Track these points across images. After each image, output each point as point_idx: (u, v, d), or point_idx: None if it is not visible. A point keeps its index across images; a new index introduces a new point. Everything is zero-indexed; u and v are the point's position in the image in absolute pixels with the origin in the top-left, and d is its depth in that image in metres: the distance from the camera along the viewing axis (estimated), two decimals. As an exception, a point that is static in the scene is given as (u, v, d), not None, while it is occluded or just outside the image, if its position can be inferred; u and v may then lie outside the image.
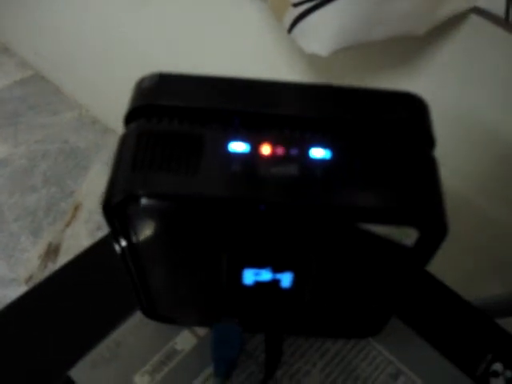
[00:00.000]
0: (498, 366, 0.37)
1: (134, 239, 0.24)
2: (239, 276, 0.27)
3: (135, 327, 0.34)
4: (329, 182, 0.22)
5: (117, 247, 0.25)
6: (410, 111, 0.24)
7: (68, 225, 1.02)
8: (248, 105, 0.24)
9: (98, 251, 0.42)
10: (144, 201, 0.22)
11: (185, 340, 0.33)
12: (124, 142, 0.23)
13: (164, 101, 0.24)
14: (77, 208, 1.04)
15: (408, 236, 0.23)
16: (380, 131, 0.24)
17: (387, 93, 0.25)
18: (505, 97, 0.46)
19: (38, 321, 0.38)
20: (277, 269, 0.26)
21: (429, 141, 0.24)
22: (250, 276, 0.27)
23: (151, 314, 0.33)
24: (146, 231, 0.24)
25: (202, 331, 0.34)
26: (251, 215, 0.22)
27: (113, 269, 0.40)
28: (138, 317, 0.34)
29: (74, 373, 0.32)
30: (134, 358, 0.33)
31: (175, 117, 0.24)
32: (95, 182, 1.09)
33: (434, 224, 0.22)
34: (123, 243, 0.24)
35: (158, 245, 0.25)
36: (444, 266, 0.43)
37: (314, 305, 0.29)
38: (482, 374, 0.36)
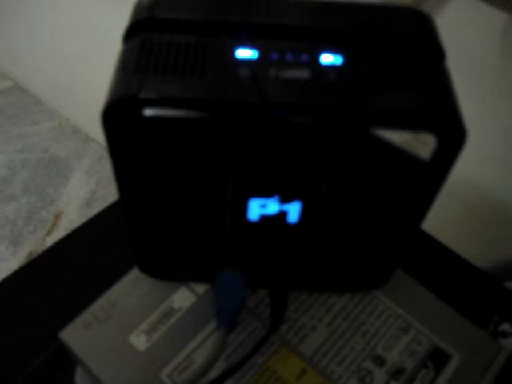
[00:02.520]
0: (505, 326, 0.36)
1: (132, 160, 0.23)
2: (244, 209, 0.25)
3: (130, 286, 0.32)
4: (342, 85, 0.21)
5: (114, 173, 0.23)
6: (418, 24, 0.24)
7: (48, 233, 0.99)
8: (255, 17, 0.23)
9: (95, 223, 0.40)
10: (147, 104, 0.20)
11: (183, 298, 0.32)
12: (125, 51, 0.22)
13: (166, 14, 0.23)
14: (57, 216, 1.02)
15: (425, 145, 0.21)
16: (390, 42, 0.23)
17: (393, 7, 0.24)
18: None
19: (29, 287, 0.36)
20: (285, 198, 0.25)
21: (439, 52, 0.23)
22: (255, 209, 0.25)
23: (148, 267, 0.31)
24: (147, 149, 0.22)
25: (200, 288, 0.32)
26: (262, 121, 0.20)
27: (109, 233, 0.39)
28: (133, 275, 0.32)
29: (65, 334, 0.30)
30: (130, 317, 0.31)
31: (178, 30, 0.22)
32: (76, 190, 1.07)
33: (452, 127, 0.21)
34: (121, 165, 0.23)
35: (159, 169, 0.23)
36: (447, 230, 0.42)
37: (321, 245, 0.28)
38: (490, 334, 0.35)
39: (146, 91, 0.20)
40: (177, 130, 0.21)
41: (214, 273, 0.30)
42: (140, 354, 0.30)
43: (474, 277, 0.39)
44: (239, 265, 0.30)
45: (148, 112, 0.20)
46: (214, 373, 0.28)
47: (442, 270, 0.36)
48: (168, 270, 0.31)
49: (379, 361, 0.30)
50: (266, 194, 0.24)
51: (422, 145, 0.22)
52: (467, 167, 0.34)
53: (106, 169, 1.11)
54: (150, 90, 0.20)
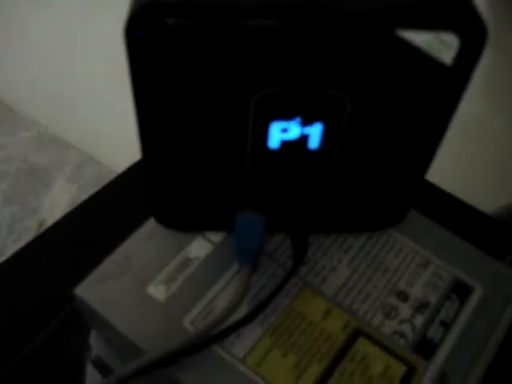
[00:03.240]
0: (519, 267, 0.36)
1: (154, 77, 0.22)
2: (265, 135, 0.25)
3: (144, 239, 0.31)
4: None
5: (134, 95, 0.23)
6: None
7: (33, 242, 0.97)
8: None
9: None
10: (173, 10, 0.20)
11: (199, 247, 0.31)
12: None
13: None
14: (41, 224, 1.00)
15: (448, 47, 0.21)
16: None
17: None
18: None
19: (41, 248, 0.35)
20: (306, 120, 0.24)
21: None
22: (276, 134, 0.25)
23: (163, 216, 0.30)
24: (171, 62, 0.22)
25: (216, 237, 0.31)
26: (287, 22, 0.20)
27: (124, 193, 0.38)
28: (146, 228, 0.32)
29: (81, 290, 0.29)
30: (146, 269, 0.30)
31: None
32: (58, 198, 1.05)
33: (473, 26, 0.21)
34: (142, 83, 0.22)
35: (181, 87, 0.23)
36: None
37: (341, 177, 0.28)
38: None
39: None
40: (203, 40, 0.21)
41: (231, 219, 0.29)
42: (160, 303, 0.29)
43: (482, 223, 0.39)
44: (258, 206, 0.29)
45: (174, 19, 0.20)
46: (237, 316, 0.27)
47: (448, 218, 0.36)
48: (183, 217, 0.30)
49: (403, 296, 0.30)
50: (287, 114, 0.24)
51: (445, 47, 0.22)
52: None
53: (88, 175, 1.10)
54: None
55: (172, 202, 0.29)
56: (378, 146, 0.26)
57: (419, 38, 0.21)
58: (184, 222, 0.31)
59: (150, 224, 0.32)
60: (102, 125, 1.04)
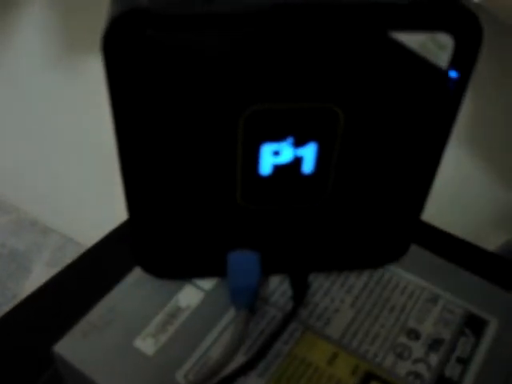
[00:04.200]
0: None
1: (135, 93, 0.21)
2: (256, 160, 0.23)
3: (129, 290, 0.29)
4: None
5: (113, 115, 0.21)
6: None
7: (12, 329, 0.92)
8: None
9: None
10: (157, 19, 0.19)
11: (189, 295, 0.29)
12: None
13: None
14: (20, 311, 0.95)
15: (443, 49, 0.21)
16: None
17: None
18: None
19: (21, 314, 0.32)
20: (299, 140, 0.23)
21: None
22: (268, 158, 0.23)
23: (149, 263, 0.28)
24: (154, 77, 0.20)
25: (207, 284, 0.29)
26: (276, 26, 0.19)
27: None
28: (131, 279, 0.29)
29: (60, 347, 0.26)
30: (132, 321, 0.27)
31: None
32: (38, 283, 1.01)
33: (468, 25, 0.20)
34: (121, 100, 0.21)
35: (164, 104, 0.21)
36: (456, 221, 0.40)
37: (337, 205, 0.26)
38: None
39: (155, 3, 0.19)
40: (185, 51, 0.20)
41: (222, 263, 0.27)
42: (149, 358, 0.26)
43: (481, 258, 0.37)
44: (251, 245, 0.27)
45: (157, 28, 0.19)
46: (235, 366, 0.25)
47: (446, 255, 0.34)
48: (171, 264, 0.28)
49: (413, 334, 0.27)
50: (279, 133, 0.23)
51: (440, 48, 0.21)
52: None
53: (68, 258, 1.06)
54: (159, 3, 0.19)
55: (159, 249, 0.27)
56: (375, 168, 0.25)
57: (413, 41, 0.20)
58: (172, 270, 0.29)
59: (136, 273, 0.29)
60: (82, 206, 1.02)
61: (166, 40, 0.19)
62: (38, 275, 1.03)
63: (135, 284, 0.29)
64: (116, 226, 0.42)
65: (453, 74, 0.21)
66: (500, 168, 0.50)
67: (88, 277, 0.39)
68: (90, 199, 0.98)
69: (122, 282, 0.29)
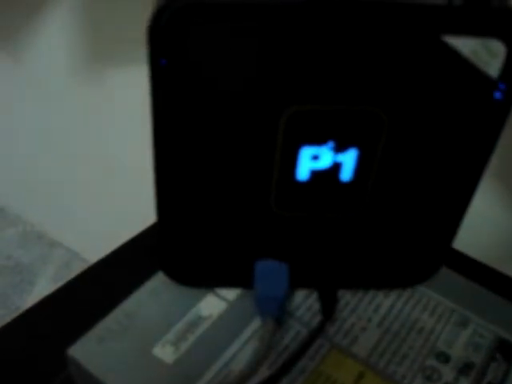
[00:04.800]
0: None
1: (175, 90, 0.20)
2: (294, 164, 0.23)
3: (148, 296, 0.28)
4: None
5: (153, 109, 0.21)
6: None
7: (12, 342, 0.90)
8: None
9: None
10: (209, 9, 0.18)
11: (211, 305, 0.28)
12: None
13: None
14: (22, 324, 0.93)
15: (494, 56, 0.20)
16: None
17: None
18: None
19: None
20: (340, 145, 0.22)
21: None
22: (306, 162, 0.23)
23: (173, 268, 0.27)
24: (201, 74, 0.20)
25: (230, 295, 0.28)
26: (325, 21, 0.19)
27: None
28: (151, 285, 0.28)
29: (74, 351, 0.25)
30: (151, 328, 0.26)
31: None
32: (41, 297, 0.99)
33: None
34: (164, 93, 0.20)
35: (205, 105, 0.21)
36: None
37: (374, 215, 0.25)
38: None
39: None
40: (229, 44, 0.19)
41: (249, 273, 0.26)
42: (168, 366, 0.25)
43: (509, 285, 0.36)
44: (280, 255, 0.26)
45: (209, 19, 0.18)
46: (257, 380, 0.24)
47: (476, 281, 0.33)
48: (196, 271, 0.27)
49: (443, 357, 0.26)
50: (319, 137, 0.22)
51: (492, 56, 0.20)
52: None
53: (73, 273, 1.05)
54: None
55: (185, 254, 0.26)
56: (414, 180, 0.24)
57: (466, 47, 0.20)
58: (197, 278, 0.28)
59: (157, 279, 0.28)
60: (89, 222, 1.01)
61: (209, 35, 0.19)
62: (42, 290, 1.01)
63: (154, 290, 0.28)
64: (129, 239, 0.41)
65: (502, 85, 0.21)
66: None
67: (100, 285, 0.38)
68: (98, 216, 0.98)
69: (140, 287, 0.28)
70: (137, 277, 0.28)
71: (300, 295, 0.28)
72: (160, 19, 0.18)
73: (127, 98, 0.72)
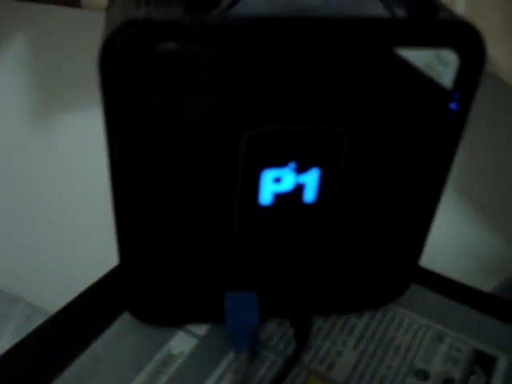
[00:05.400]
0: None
1: (130, 116, 0.20)
2: (256, 187, 0.22)
3: (117, 338, 0.27)
4: (355, 6, 0.20)
5: (108, 140, 0.20)
6: None
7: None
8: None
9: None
10: (162, 31, 0.18)
11: (182, 342, 0.27)
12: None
13: None
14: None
15: (447, 66, 0.20)
16: None
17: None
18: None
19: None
20: (301, 165, 0.22)
21: None
22: (268, 185, 0.23)
23: (140, 307, 0.26)
24: (155, 101, 0.19)
25: (201, 330, 0.27)
26: (286, 38, 0.19)
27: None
28: (118, 326, 0.27)
29: (41, 403, 0.24)
30: (120, 372, 0.25)
31: None
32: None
33: (472, 42, 0.20)
34: (119, 122, 0.20)
35: (164, 133, 0.20)
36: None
37: (338, 235, 0.25)
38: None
39: (162, 16, 0.18)
40: (191, 69, 0.19)
41: (219, 307, 0.26)
42: (141, 410, 0.24)
43: (480, 299, 0.36)
44: (249, 285, 0.26)
45: (164, 42, 0.18)
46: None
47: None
48: (163, 309, 0.26)
49: (422, 375, 0.26)
50: (281, 159, 0.22)
51: (444, 66, 0.20)
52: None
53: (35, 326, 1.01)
54: (163, 14, 0.18)
55: (151, 291, 0.25)
56: (377, 196, 0.24)
57: (418, 59, 0.20)
58: (165, 316, 0.27)
59: (123, 320, 0.27)
60: (49, 274, 0.98)
61: (164, 61, 0.18)
62: (5, 346, 0.97)
63: (122, 332, 0.27)
64: (91, 284, 0.40)
65: (456, 95, 0.21)
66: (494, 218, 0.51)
67: (64, 333, 0.36)
68: (57, 266, 0.95)
69: (107, 330, 0.27)
70: (102, 320, 0.27)
71: (272, 323, 0.28)
72: (111, 46, 0.18)
73: (77, 144, 0.71)
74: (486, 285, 0.38)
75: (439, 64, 0.20)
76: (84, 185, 0.72)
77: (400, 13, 0.20)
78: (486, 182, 0.52)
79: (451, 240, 0.51)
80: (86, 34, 0.53)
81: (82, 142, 0.67)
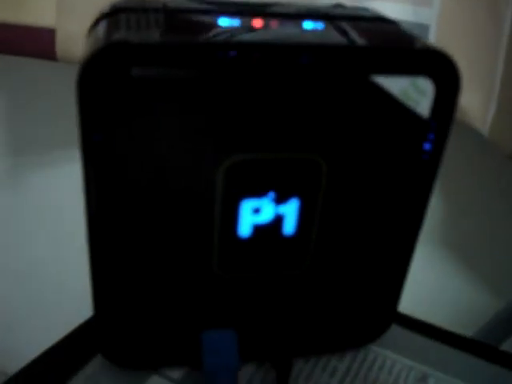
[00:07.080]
0: None
1: (111, 137, 0.19)
2: (235, 220, 0.22)
3: (88, 382, 0.25)
4: (329, 35, 0.21)
5: (84, 164, 0.20)
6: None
7: None
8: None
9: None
10: (139, 53, 0.18)
11: (156, 386, 0.25)
12: (96, 30, 0.20)
13: (135, 4, 0.22)
14: None
15: (423, 94, 0.21)
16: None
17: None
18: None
19: None
20: (281, 195, 0.22)
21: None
22: (247, 217, 0.22)
23: (113, 350, 0.25)
24: (133, 121, 0.19)
25: (176, 374, 0.26)
26: (262, 62, 0.19)
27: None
28: (90, 370, 0.26)
29: None
30: (91, 419, 0.24)
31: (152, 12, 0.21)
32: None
33: (447, 70, 0.21)
34: (94, 149, 0.19)
35: (140, 159, 0.20)
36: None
37: (318, 272, 0.24)
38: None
39: (135, 37, 0.18)
40: (165, 94, 0.19)
41: (194, 349, 0.25)
42: None
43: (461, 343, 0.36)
44: (227, 325, 0.25)
45: (140, 65, 0.18)
46: None
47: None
48: (140, 352, 0.25)
49: (408, 416, 0.25)
50: (260, 188, 0.22)
51: (420, 94, 0.21)
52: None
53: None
54: (140, 38, 0.18)
55: (125, 334, 0.24)
56: (357, 229, 0.24)
57: (395, 87, 0.20)
58: (140, 359, 0.25)
59: (94, 365, 0.26)
60: (15, 339, 0.94)
61: (140, 93, 0.18)
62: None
63: (93, 376, 0.25)
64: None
65: (433, 123, 0.21)
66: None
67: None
68: (23, 332, 0.91)
69: (78, 373, 0.25)
70: (75, 364, 0.26)
71: (252, 366, 0.27)
72: (89, 66, 0.17)
73: (48, 201, 0.70)
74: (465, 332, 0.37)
75: (415, 92, 0.21)
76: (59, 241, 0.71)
77: (379, 46, 0.20)
78: (463, 232, 0.53)
79: (432, 289, 0.51)
80: (61, 88, 0.53)
81: (55, 200, 0.66)
